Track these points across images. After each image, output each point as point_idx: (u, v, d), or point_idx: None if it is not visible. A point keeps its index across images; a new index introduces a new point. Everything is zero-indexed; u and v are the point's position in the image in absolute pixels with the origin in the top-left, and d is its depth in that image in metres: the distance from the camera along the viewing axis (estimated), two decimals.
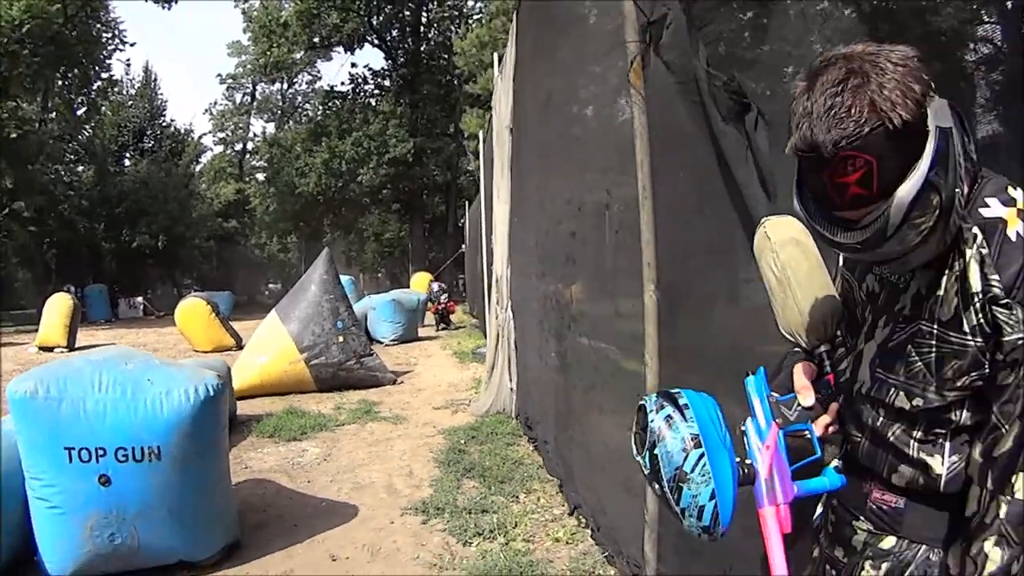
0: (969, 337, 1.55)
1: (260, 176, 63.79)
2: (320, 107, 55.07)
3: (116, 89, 52.46)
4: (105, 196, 49.04)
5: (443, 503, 6.63)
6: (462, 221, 40.18)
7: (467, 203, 32.37)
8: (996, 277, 1.49)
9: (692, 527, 1.73)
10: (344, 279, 19.29)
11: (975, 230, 1.54)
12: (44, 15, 34.70)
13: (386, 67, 51.19)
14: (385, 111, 47.77)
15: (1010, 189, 1.56)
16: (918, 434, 1.70)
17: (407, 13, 49.64)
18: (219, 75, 71.73)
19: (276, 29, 46.51)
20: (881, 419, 1.78)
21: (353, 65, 61.72)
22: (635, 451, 1.80)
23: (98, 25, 43.09)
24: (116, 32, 45.69)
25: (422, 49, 49.73)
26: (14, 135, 35.30)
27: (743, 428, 1.86)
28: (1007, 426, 1.50)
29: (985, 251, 1.52)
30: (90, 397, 4.99)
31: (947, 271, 1.58)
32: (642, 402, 1.78)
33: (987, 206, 1.55)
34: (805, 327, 1.98)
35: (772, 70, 2.33)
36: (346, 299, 13.96)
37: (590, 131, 5.54)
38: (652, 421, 1.74)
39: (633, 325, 3.78)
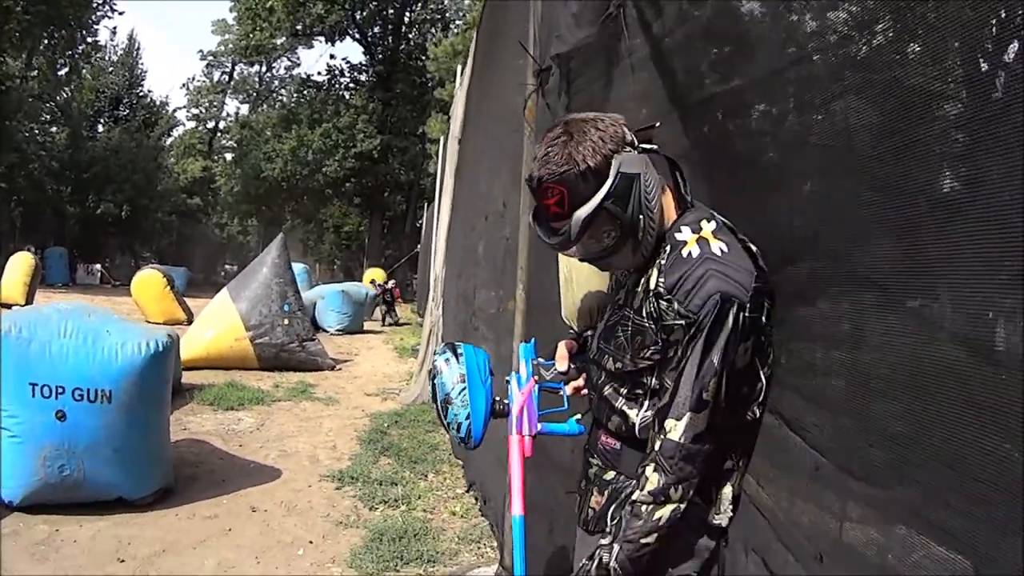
0: (646, 320, 2.13)
1: (228, 156, 63.60)
2: (295, 94, 55.18)
3: (99, 54, 52.14)
4: (75, 160, 48.86)
5: (358, 474, 7.38)
6: (420, 222, 40.56)
7: (426, 204, 32.80)
8: (663, 280, 2.06)
9: (455, 437, 2.60)
10: (299, 267, 19.73)
11: (667, 247, 2.10)
12: None
13: (364, 62, 51.49)
14: (357, 105, 48.05)
15: (703, 222, 2.10)
16: (624, 391, 2.28)
17: (391, 11, 49.96)
18: (200, 51, 71.40)
19: (261, 12, 46.26)
20: (602, 378, 2.37)
21: (332, 56, 61.43)
22: (431, 383, 2.66)
23: None
24: None
25: (401, 48, 49.85)
26: None
27: (506, 379, 2.65)
28: (669, 386, 2.08)
29: (663, 262, 2.08)
30: (55, 341, 5.66)
31: (646, 274, 2.20)
32: (435, 348, 2.62)
33: (680, 231, 2.10)
34: (577, 316, 2.76)
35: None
36: (295, 284, 14.58)
37: (499, 150, 6.27)
38: (436, 360, 2.61)
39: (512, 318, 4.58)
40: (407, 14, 50.95)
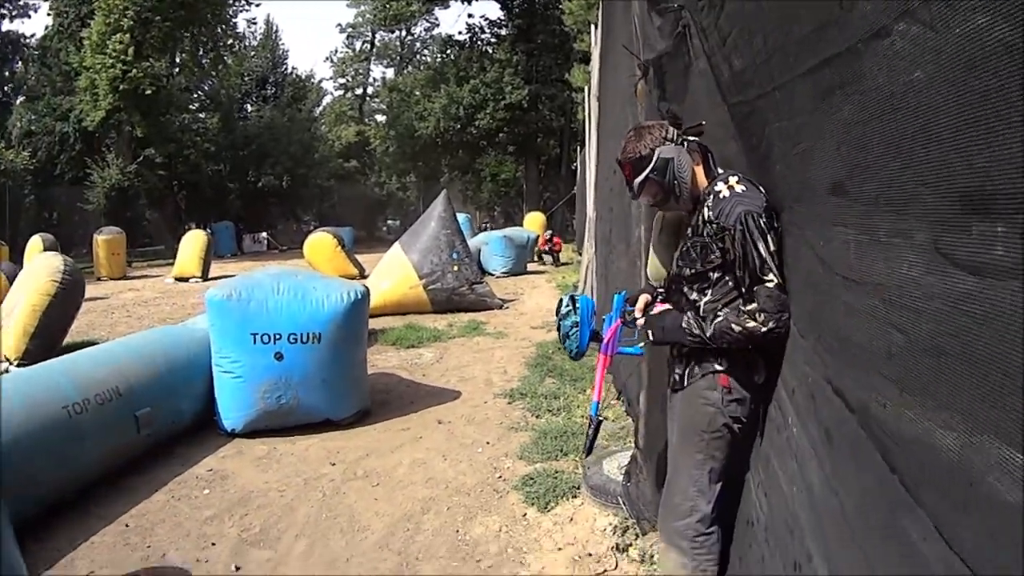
0: (706, 238, 3.16)
1: (380, 117, 64.98)
2: (438, 55, 55.84)
3: (241, 43, 54.05)
4: (231, 141, 51.18)
5: (526, 391, 8.55)
6: (574, 165, 40.84)
7: (579, 147, 33.02)
8: (711, 213, 3.11)
9: (568, 355, 3.97)
10: (461, 216, 20.73)
11: (711, 195, 3.16)
12: None
13: (501, 17, 51.03)
14: (501, 59, 48.23)
15: (730, 178, 3.12)
16: (695, 287, 3.31)
17: None
18: (339, 24, 72.72)
19: None
20: (681, 283, 3.40)
21: (470, 16, 62.16)
22: (555, 321, 4.02)
23: None
24: None
25: (536, 1, 48.54)
26: (149, 92, 38.29)
27: (604, 318, 3.85)
28: (733, 279, 3.18)
29: (710, 204, 3.13)
30: (271, 298, 6.91)
31: (699, 212, 3.25)
32: (561, 297, 3.97)
33: (718, 186, 3.13)
34: (655, 274, 3.88)
35: (691, 107, 4.00)
36: (461, 234, 15.80)
37: (623, 113, 7.10)
38: (562, 308, 3.93)
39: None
40: None
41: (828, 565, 2.29)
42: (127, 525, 5.30)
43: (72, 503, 5.51)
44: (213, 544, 5.02)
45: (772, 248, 2.94)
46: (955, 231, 1.48)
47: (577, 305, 3.89)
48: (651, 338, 3.46)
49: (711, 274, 3.22)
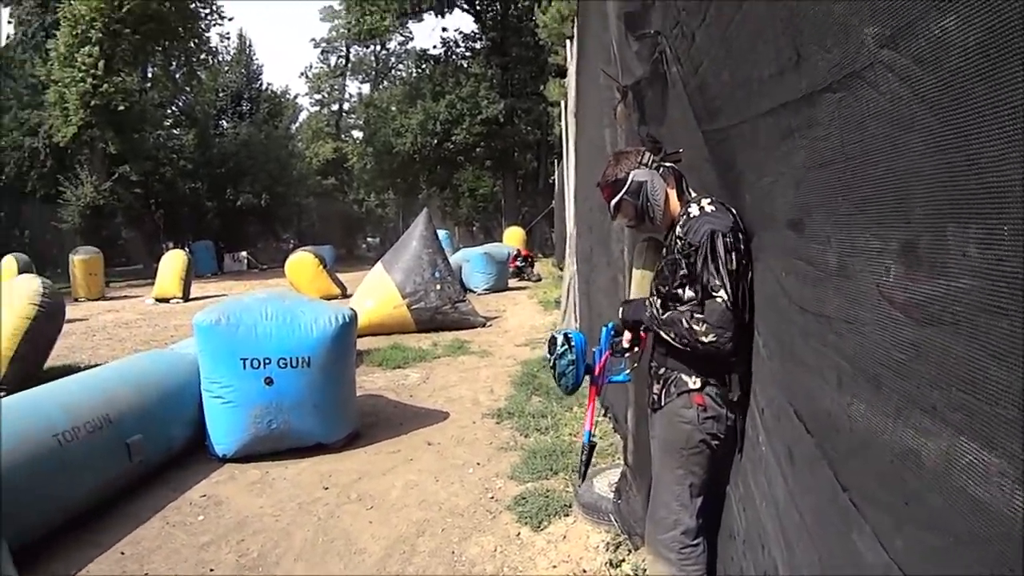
0: (677, 255, 3.30)
1: (357, 134, 65.16)
2: (414, 69, 56.22)
3: (214, 58, 53.17)
4: (207, 158, 51.02)
5: (514, 411, 8.68)
6: (552, 178, 40.95)
7: (556, 160, 33.12)
8: (682, 231, 3.26)
9: (561, 391, 4.16)
10: (441, 233, 20.83)
11: (683, 216, 3.34)
12: None
13: (476, 31, 51.38)
14: (477, 73, 48.69)
15: (703, 200, 3.29)
16: (669, 305, 3.38)
17: None
18: (313, 39, 72.86)
19: None
20: (657, 301, 3.55)
21: (444, 29, 61.98)
22: (548, 358, 4.20)
23: (195, 2, 44.89)
24: (213, 7, 47.28)
25: (510, 13, 48.75)
26: (121, 108, 37.89)
27: (594, 350, 4.04)
28: (696, 291, 3.31)
29: (682, 223, 3.30)
30: (260, 324, 6.99)
31: (672, 232, 3.43)
32: (554, 335, 4.13)
33: (691, 207, 3.31)
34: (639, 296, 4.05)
35: (669, 131, 4.17)
36: (443, 252, 15.96)
37: (601, 129, 7.30)
38: (557, 346, 4.07)
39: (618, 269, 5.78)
40: None
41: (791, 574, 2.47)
42: (123, 553, 5.35)
43: (65, 532, 5.54)
44: (212, 570, 5.10)
45: (731, 267, 3.10)
46: (896, 276, 1.65)
47: (572, 344, 4.04)
48: (620, 318, 3.78)
49: (680, 291, 3.34)
